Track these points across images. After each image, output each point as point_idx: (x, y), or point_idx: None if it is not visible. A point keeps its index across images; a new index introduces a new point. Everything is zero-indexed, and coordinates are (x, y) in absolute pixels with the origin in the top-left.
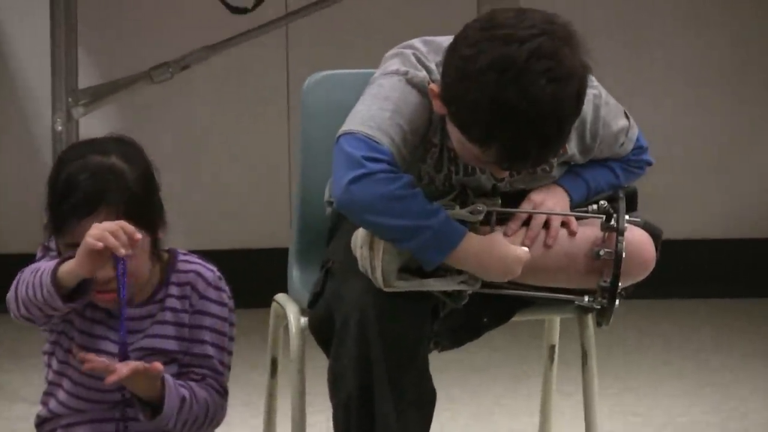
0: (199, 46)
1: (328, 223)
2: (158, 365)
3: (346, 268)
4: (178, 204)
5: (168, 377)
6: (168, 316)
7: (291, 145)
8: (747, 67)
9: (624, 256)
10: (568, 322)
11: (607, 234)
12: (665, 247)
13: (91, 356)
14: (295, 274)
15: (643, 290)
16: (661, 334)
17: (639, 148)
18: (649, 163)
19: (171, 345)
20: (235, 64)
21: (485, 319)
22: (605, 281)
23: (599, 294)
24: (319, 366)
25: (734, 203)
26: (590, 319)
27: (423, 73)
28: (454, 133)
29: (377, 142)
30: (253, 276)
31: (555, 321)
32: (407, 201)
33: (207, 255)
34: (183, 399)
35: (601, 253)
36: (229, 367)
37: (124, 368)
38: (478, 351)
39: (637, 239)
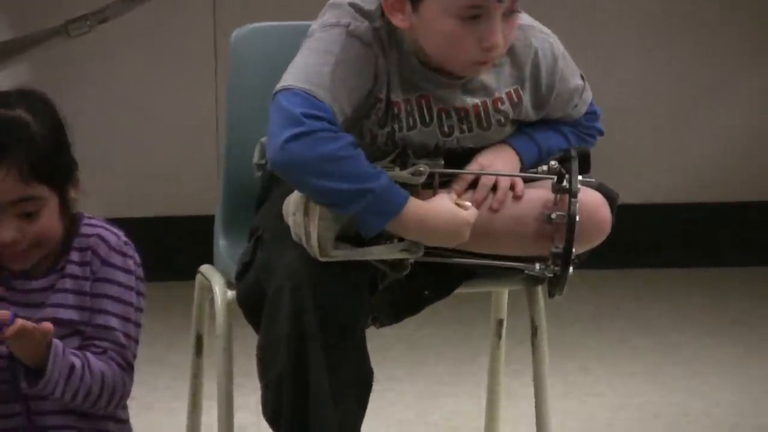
0: None
1: (258, 189)
2: (47, 325)
3: (277, 237)
4: (94, 166)
5: (57, 342)
6: (68, 283)
7: (218, 103)
8: (709, 13)
9: (578, 219)
10: (518, 294)
11: (559, 196)
12: (621, 213)
13: None
14: (221, 243)
15: (598, 259)
16: (618, 307)
17: (592, 114)
18: (601, 132)
19: (71, 315)
20: (159, 16)
21: (426, 292)
22: (557, 247)
23: (551, 261)
24: (248, 344)
25: (695, 164)
26: (540, 292)
27: (365, 24)
28: (436, 24)
29: (318, 99)
30: (176, 246)
31: (503, 294)
32: (348, 162)
33: (126, 222)
34: (72, 367)
35: (553, 216)
36: (136, 341)
37: (11, 329)
38: (420, 327)
39: (591, 201)
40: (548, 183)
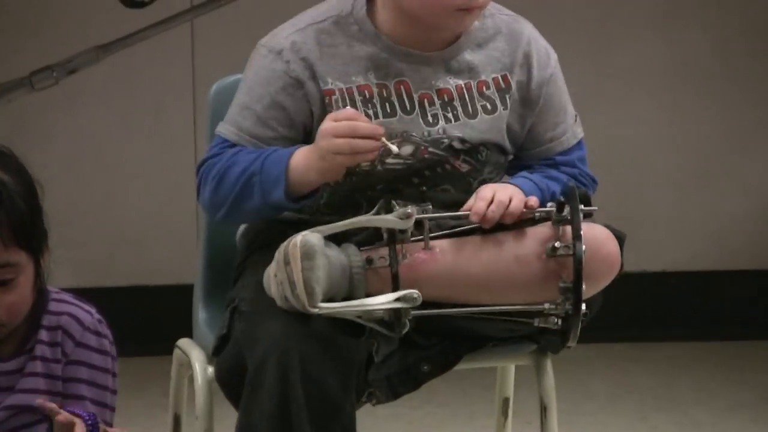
0: (89, 45)
1: (237, 259)
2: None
3: (259, 307)
4: (62, 230)
5: None
6: (39, 366)
7: (198, 160)
8: (730, 67)
9: (584, 248)
10: (525, 370)
11: (561, 228)
12: (638, 281)
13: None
14: (201, 315)
15: (614, 332)
16: (635, 384)
17: (582, 159)
18: (595, 181)
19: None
20: (132, 67)
21: (425, 366)
22: (565, 281)
23: (561, 299)
24: (231, 425)
25: (719, 228)
26: (549, 366)
27: (283, 33)
28: None
29: (221, 136)
30: (152, 318)
31: (509, 369)
32: (228, 173)
33: (96, 293)
34: None
35: (557, 245)
36: (110, 425)
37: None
38: (420, 406)
39: (596, 235)
40: (548, 225)
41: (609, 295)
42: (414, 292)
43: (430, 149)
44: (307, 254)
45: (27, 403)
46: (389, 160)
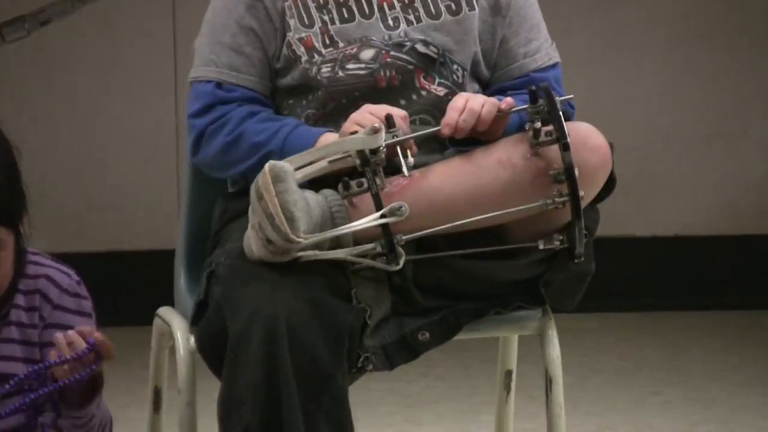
0: None
1: (214, 227)
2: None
3: (239, 270)
4: (35, 193)
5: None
6: (14, 332)
7: (179, 122)
8: (747, 21)
9: (568, 133)
10: (529, 341)
11: (539, 120)
12: (647, 246)
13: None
14: (182, 282)
15: (622, 301)
16: (645, 357)
17: (558, 80)
18: (572, 107)
19: (19, 368)
20: (110, 20)
21: (424, 334)
22: (556, 170)
23: (556, 191)
24: (215, 399)
25: (734, 190)
26: (555, 336)
27: None
28: None
29: (199, 81)
30: (131, 285)
31: (512, 340)
32: (240, 142)
33: (72, 258)
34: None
35: (538, 127)
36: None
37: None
38: (416, 380)
39: (579, 126)
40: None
41: (617, 261)
42: (399, 203)
43: (392, 53)
44: (278, 176)
45: (3, 371)
46: (350, 65)
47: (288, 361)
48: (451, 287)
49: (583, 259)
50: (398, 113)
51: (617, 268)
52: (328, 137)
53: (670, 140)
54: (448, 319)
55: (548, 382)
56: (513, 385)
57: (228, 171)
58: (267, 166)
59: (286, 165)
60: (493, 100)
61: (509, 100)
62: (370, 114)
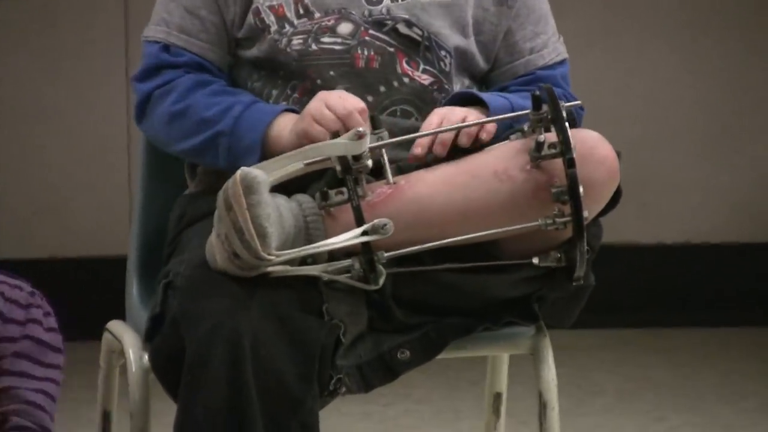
0: None
1: (170, 232)
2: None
3: (198, 281)
4: None
5: None
6: None
7: (130, 115)
8: (757, 11)
9: (573, 144)
10: (519, 363)
11: (542, 130)
12: (654, 256)
13: None
14: (135, 293)
15: (625, 316)
16: (650, 378)
17: (566, 77)
18: (581, 108)
19: None
20: (57, 4)
21: (404, 352)
22: (558, 186)
23: (557, 210)
24: (171, 423)
25: (747, 194)
26: (550, 355)
27: None
28: None
29: (149, 41)
30: (77, 295)
31: (501, 360)
32: (188, 113)
33: (12, 265)
34: None
35: (541, 141)
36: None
37: None
38: (394, 402)
39: (585, 135)
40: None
41: (620, 271)
42: (383, 221)
43: (371, 31)
44: (250, 187)
45: None
46: (326, 39)
47: (252, 383)
48: (436, 303)
49: (582, 282)
50: (356, 106)
51: (620, 279)
52: (287, 118)
53: (679, 137)
54: (430, 335)
55: (542, 407)
56: (503, 409)
57: (173, 146)
58: (238, 174)
59: (260, 174)
60: (475, 114)
61: (490, 129)
62: (327, 110)
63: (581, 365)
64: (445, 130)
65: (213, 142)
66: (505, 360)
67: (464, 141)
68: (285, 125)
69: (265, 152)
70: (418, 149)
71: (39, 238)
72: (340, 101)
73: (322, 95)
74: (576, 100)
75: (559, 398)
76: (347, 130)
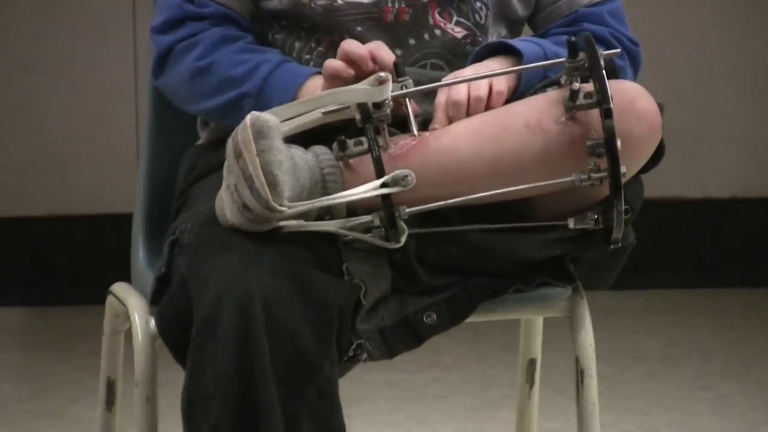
0: None
1: (179, 186)
2: None
3: (207, 238)
4: None
5: None
6: None
7: (138, 62)
8: None
9: (611, 94)
10: (555, 328)
11: (577, 79)
12: (700, 212)
13: None
14: (141, 253)
15: (669, 276)
16: (697, 343)
17: (614, 13)
18: (635, 43)
19: None
20: None
21: (430, 316)
22: (593, 138)
23: (593, 164)
24: (180, 392)
25: None
26: (588, 318)
27: None
28: None
29: None
30: (80, 256)
31: (535, 324)
32: (212, 71)
33: (10, 223)
34: None
35: (575, 89)
36: None
37: None
38: (422, 370)
39: (625, 86)
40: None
41: (663, 227)
42: (404, 171)
43: None
44: (261, 132)
45: None
46: None
47: (264, 347)
48: (462, 264)
49: (621, 244)
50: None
51: (663, 236)
52: (319, 80)
53: (726, 86)
54: (459, 297)
55: (579, 374)
56: (537, 377)
57: (194, 105)
58: (248, 118)
59: (271, 118)
60: (501, 87)
61: (501, 91)
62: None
63: (622, 329)
64: (474, 78)
65: (237, 103)
66: (539, 324)
67: (493, 104)
68: (316, 88)
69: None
70: (437, 125)
71: (39, 194)
72: (357, 44)
73: (345, 43)
74: (629, 38)
75: (598, 364)
76: (374, 63)
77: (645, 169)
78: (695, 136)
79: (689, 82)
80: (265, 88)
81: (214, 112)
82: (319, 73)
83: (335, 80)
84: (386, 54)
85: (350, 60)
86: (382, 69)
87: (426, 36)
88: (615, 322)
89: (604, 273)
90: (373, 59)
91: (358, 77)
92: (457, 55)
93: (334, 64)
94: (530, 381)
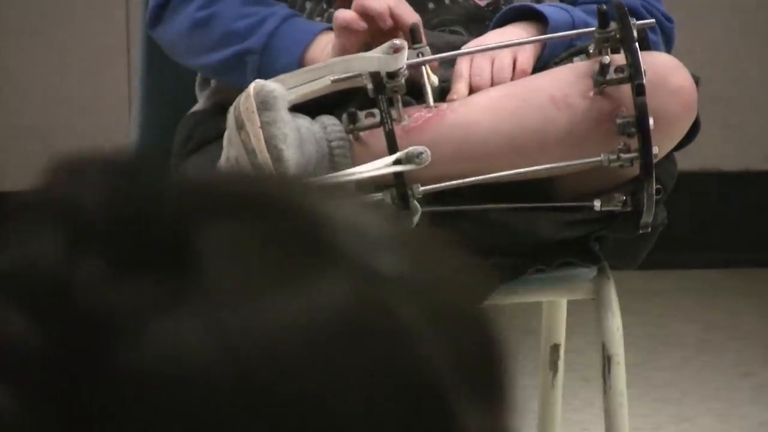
0: None
1: (174, 158)
2: None
3: None
4: None
5: None
6: None
7: (129, 23)
8: None
9: (644, 68)
10: (580, 311)
11: (608, 51)
12: (738, 185)
13: None
14: None
15: (706, 255)
16: (735, 327)
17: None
18: (669, 20)
19: None
20: None
21: None
22: (624, 116)
23: (622, 144)
24: None
25: None
26: (615, 300)
27: None
28: None
29: None
30: None
31: (559, 306)
32: (212, 24)
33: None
34: None
35: (606, 63)
36: None
37: None
38: None
39: (660, 60)
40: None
41: (699, 201)
42: (419, 148)
43: None
44: (265, 102)
45: None
46: None
47: None
48: (480, 243)
49: (650, 229)
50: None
51: (700, 212)
52: (328, 38)
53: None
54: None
55: (606, 361)
56: (561, 363)
57: (192, 59)
58: (252, 86)
59: (277, 87)
60: (526, 58)
61: (524, 68)
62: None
63: (654, 312)
64: (497, 47)
65: (240, 59)
66: (563, 306)
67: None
68: (324, 46)
69: None
70: (456, 96)
71: (16, 165)
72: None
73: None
74: (663, 13)
75: (628, 350)
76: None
77: (679, 146)
78: (734, 104)
79: (728, 46)
80: (270, 45)
81: (215, 68)
82: (330, 29)
83: (346, 33)
84: (407, 12)
85: (367, 15)
86: (401, 28)
87: (447, 0)
88: (645, 305)
89: (633, 252)
90: (392, 17)
91: (373, 36)
92: (477, 24)
93: (345, 14)
94: (554, 368)
